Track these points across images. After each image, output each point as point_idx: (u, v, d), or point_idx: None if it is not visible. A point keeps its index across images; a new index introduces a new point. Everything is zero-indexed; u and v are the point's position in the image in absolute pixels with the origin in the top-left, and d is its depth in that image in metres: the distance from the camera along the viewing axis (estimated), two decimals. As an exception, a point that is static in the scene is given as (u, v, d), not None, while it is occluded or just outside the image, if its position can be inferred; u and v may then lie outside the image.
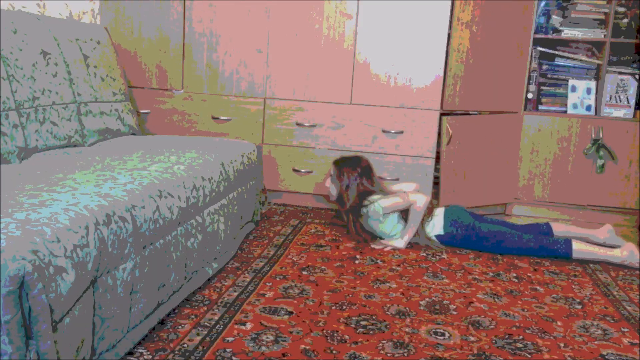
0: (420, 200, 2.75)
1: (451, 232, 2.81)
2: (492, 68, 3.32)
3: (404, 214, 2.83)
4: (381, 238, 2.86)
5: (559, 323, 2.05)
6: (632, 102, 3.43)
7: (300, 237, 2.87)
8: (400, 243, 2.77)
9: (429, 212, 2.85)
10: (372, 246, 2.78)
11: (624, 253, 2.68)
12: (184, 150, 2.44)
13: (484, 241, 2.77)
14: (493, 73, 3.33)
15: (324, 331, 1.88)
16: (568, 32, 3.45)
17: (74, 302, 1.35)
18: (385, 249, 2.75)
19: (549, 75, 3.54)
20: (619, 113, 3.44)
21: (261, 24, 3.33)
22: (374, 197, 2.80)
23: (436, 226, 2.84)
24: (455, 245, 2.83)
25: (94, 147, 2.54)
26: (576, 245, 2.70)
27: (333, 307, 2.07)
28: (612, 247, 2.79)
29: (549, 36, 3.47)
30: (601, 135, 3.37)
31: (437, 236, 2.83)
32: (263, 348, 1.75)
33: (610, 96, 3.44)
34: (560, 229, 2.91)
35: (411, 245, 2.81)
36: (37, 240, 1.26)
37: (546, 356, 1.81)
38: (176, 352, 1.71)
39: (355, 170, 2.86)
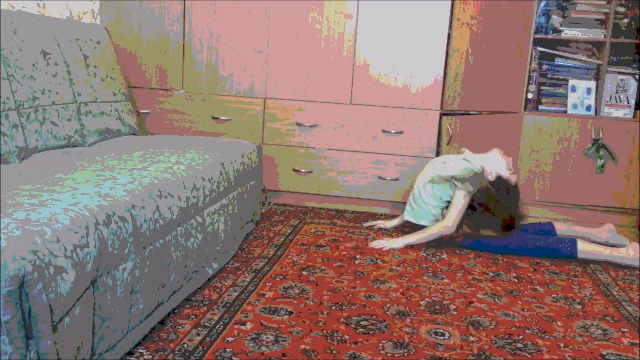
0: (450, 227, 2.72)
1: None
2: (492, 68, 3.32)
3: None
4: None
5: (559, 323, 2.05)
6: (632, 102, 3.43)
7: (300, 237, 2.87)
8: (400, 244, 2.77)
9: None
10: (370, 244, 2.78)
11: (630, 252, 2.66)
12: (184, 150, 2.44)
13: (486, 241, 2.77)
14: (493, 73, 3.33)
15: (324, 331, 1.88)
16: (568, 32, 3.45)
17: (74, 302, 1.35)
18: (384, 249, 2.75)
19: (549, 75, 3.54)
20: (619, 113, 3.44)
21: (261, 24, 3.33)
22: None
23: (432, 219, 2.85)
24: (459, 245, 2.82)
25: (94, 147, 2.54)
26: (581, 245, 2.68)
27: (333, 307, 2.07)
28: (616, 246, 2.79)
29: (549, 36, 3.47)
30: (601, 135, 3.37)
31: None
32: (263, 348, 1.75)
33: (610, 96, 3.44)
34: (562, 229, 2.92)
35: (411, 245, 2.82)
36: (37, 240, 1.26)
37: (546, 356, 1.81)
38: (176, 352, 1.71)
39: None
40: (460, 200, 2.73)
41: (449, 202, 2.79)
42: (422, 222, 2.87)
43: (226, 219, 2.44)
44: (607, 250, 2.69)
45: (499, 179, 2.78)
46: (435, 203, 2.82)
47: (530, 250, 2.74)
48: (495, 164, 2.81)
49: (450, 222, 2.73)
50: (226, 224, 2.44)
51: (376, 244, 2.78)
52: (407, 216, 2.94)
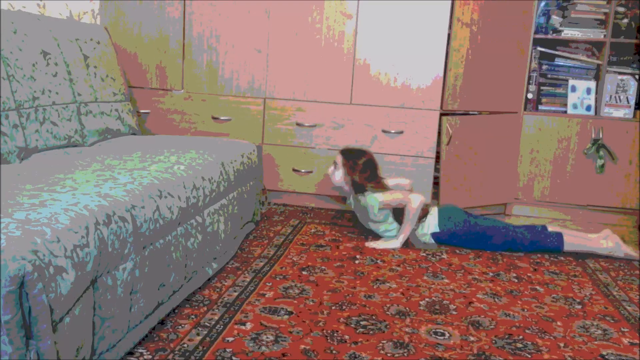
0: (416, 200, 2.75)
1: (446, 229, 2.81)
2: (492, 68, 3.32)
3: (399, 215, 2.83)
4: (375, 234, 2.89)
5: (559, 323, 2.05)
6: (632, 102, 3.43)
7: (300, 237, 2.87)
8: (396, 244, 2.77)
9: (422, 212, 2.86)
10: (367, 245, 2.78)
11: (609, 244, 2.78)
12: (184, 150, 2.44)
13: (477, 236, 2.78)
14: (493, 73, 3.33)
15: (324, 331, 1.88)
16: (568, 32, 3.45)
17: (74, 302, 1.35)
18: (379, 247, 2.75)
19: (549, 75, 3.54)
20: (619, 113, 3.44)
21: (261, 24, 3.33)
22: (375, 191, 2.81)
23: (431, 225, 2.84)
24: (450, 242, 2.83)
25: (94, 147, 2.54)
26: (567, 238, 2.78)
27: (333, 307, 2.07)
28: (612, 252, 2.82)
29: (549, 36, 3.47)
30: (601, 135, 3.37)
31: (433, 234, 2.83)
32: (263, 348, 1.75)
33: (610, 96, 3.44)
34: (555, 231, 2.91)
35: (408, 244, 2.81)
36: (37, 241, 1.26)
37: (546, 356, 1.81)
38: (176, 352, 1.71)
39: (360, 159, 2.88)
40: (384, 199, 2.78)
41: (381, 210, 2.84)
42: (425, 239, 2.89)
43: (226, 219, 2.44)
44: (590, 242, 2.79)
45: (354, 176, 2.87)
46: (385, 223, 2.86)
47: (516, 244, 2.79)
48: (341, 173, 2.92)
49: (410, 203, 2.75)
50: (226, 224, 2.44)
51: (372, 244, 2.78)
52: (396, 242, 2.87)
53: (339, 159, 2.93)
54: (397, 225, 2.84)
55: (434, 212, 2.87)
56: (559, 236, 2.78)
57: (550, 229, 2.90)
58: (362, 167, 2.86)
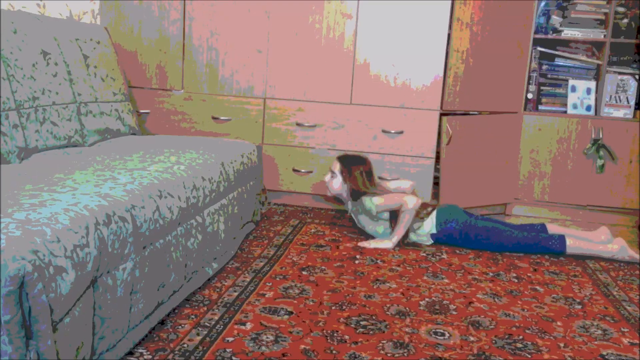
0: (411, 202, 2.75)
1: (445, 229, 2.81)
2: (492, 68, 3.32)
3: (394, 219, 2.83)
4: (372, 237, 2.89)
5: (559, 323, 2.05)
6: (632, 102, 3.43)
7: (300, 237, 2.87)
8: (389, 244, 2.77)
9: (426, 213, 2.86)
10: (360, 245, 2.78)
11: (614, 247, 2.75)
12: (184, 150, 2.44)
13: (477, 237, 2.78)
14: (493, 73, 3.33)
15: (324, 331, 1.88)
16: (568, 32, 3.45)
17: (74, 302, 1.35)
18: (370, 246, 2.75)
19: (549, 75, 3.54)
20: (618, 113, 3.44)
21: (261, 24, 3.33)
22: (372, 195, 2.82)
23: (429, 225, 2.84)
24: (449, 242, 2.83)
25: (94, 147, 2.54)
26: (570, 241, 2.75)
27: (333, 307, 2.07)
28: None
29: (549, 36, 3.47)
30: (601, 135, 3.37)
31: (432, 235, 2.83)
32: (263, 348, 1.75)
33: (610, 96, 3.44)
34: (555, 231, 2.91)
35: (400, 244, 2.81)
36: (37, 241, 1.26)
37: (546, 356, 1.81)
38: (176, 352, 1.71)
39: (358, 167, 2.88)
40: (380, 203, 2.79)
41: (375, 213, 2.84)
42: (422, 240, 2.89)
43: (226, 219, 2.44)
44: (594, 245, 2.77)
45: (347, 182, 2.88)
46: (382, 226, 2.86)
47: (519, 246, 2.78)
48: (339, 181, 2.92)
49: (405, 204, 2.75)
50: (226, 224, 2.44)
51: (365, 244, 2.79)
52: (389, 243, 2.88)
53: (337, 166, 2.92)
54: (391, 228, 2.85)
55: (432, 212, 2.87)
56: (561, 239, 2.77)
57: (549, 227, 2.90)
58: (360, 174, 2.86)
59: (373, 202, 2.79)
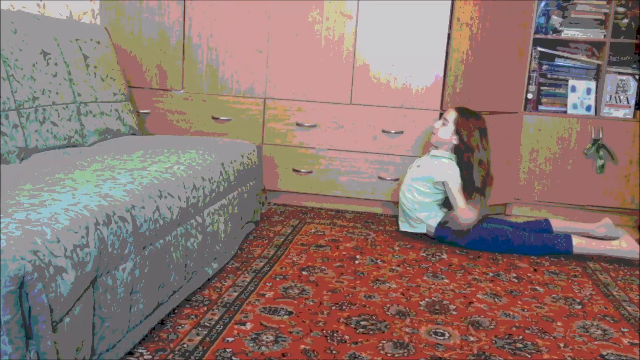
0: (465, 214, 2.73)
1: (451, 229, 2.80)
2: (492, 68, 3.32)
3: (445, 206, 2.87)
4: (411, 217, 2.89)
5: (558, 323, 2.05)
6: (632, 102, 3.43)
7: (300, 237, 2.87)
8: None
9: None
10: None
11: (623, 245, 2.70)
12: (184, 150, 2.44)
13: (483, 237, 2.77)
14: (493, 73, 3.33)
15: (324, 331, 1.88)
16: (568, 33, 3.45)
17: (74, 302, 1.35)
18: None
19: (549, 76, 3.54)
20: (618, 113, 3.44)
21: (261, 24, 3.33)
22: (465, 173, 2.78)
23: (436, 217, 2.86)
24: (453, 241, 2.82)
25: (94, 147, 2.54)
26: (576, 241, 2.72)
27: (333, 307, 2.07)
28: (612, 239, 2.80)
29: (549, 36, 3.47)
30: (601, 136, 3.37)
31: (437, 227, 2.83)
32: (263, 348, 1.75)
33: (610, 96, 3.44)
34: (559, 225, 2.93)
35: (410, 244, 2.82)
36: (37, 241, 1.26)
37: (546, 356, 1.81)
38: (176, 352, 1.71)
39: (476, 121, 2.81)
40: (455, 186, 2.75)
41: (439, 189, 2.82)
42: (419, 230, 2.90)
43: (226, 219, 2.44)
44: (601, 245, 2.72)
45: (461, 140, 2.79)
46: (429, 199, 2.83)
47: (525, 248, 2.76)
48: (449, 131, 2.84)
49: (460, 206, 2.73)
50: (226, 224, 2.44)
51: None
52: (403, 227, 2.98)
53: (452, 114, 2.84)
54: (436, 213, 2.84)
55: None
56: (567, 238, 2.73)
57: (553, 223, 2.91)
58: (476, 130, 2.77)
59: (455, 177, 2.74)
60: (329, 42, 3.29)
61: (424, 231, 2.88)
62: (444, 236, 2.83)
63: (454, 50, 3.21)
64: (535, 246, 2.75)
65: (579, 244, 2.72)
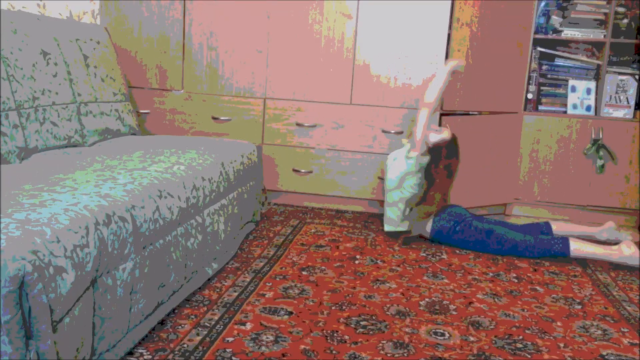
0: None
1: (447, 229, 2.80)
2: (492, 68, 3.32)
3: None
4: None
5: (558, 323, 2.05)
6: (632, 102, 3.43)
7: (300, 237, 2.87)
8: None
9: (426, 216, 2.87)
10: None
11: (623, 250, 2.64)
12: (184, 150, 2.44)
13: (476, 236, 2.76)
14: (493, 73, 3.33)
15: (324, 331, 1.88)
16: (568, 33, 3.45)
17: (73, 302, 1.35)
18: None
19: (549, 76, 3.54)
20: (618, 113, 3.44)
21: (261, 24, 3.33)
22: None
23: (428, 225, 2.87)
24: (451, 242, 2.82)
25: (94, 147, 2.54)
26: (574, 244, 2.68)
27: (333, 307, 2.07)
28: (616, 243, 2.79)
29: (549, 36, 3.47)
30: (601, 136, 3.37)
31: (432, 231, 2.84)
32: (263, 348, 1.75)
33: (610, 96, 3.44)
34: (560, 229, 2.91)
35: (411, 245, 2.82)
36: (37, 241, 1.26)
37: (546, 356, 1.81)
38: (176, 352, 1.71)
39: (453, 160, 2.95)
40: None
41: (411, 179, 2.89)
42: (402, 227, 2.92)
43: (226, 219, 2.44)
44: (600, 250, 2.67)
45: (435, 147, 2.90)
46: (409, 192, 2.89)
47: (522, 250, 2.73)
48: (431, 134, 2.93)
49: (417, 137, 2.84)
50: (226, 224, 2.44)
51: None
52: (388, 228, 2.97)
53: (449, 133, 2.94)
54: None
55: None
56: (564, 241, 2.70)
57: (553, 226, 2.90)
58: (445, 168, 2.90)
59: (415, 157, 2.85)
60: (329, 42, 3.29)
61: (407, 229, 2.89)
62: (441, 238, 2.84)
63: (454, 50, 3.21)
64: (531, 249, 2.72)
65: (577, 248, 2.67)
